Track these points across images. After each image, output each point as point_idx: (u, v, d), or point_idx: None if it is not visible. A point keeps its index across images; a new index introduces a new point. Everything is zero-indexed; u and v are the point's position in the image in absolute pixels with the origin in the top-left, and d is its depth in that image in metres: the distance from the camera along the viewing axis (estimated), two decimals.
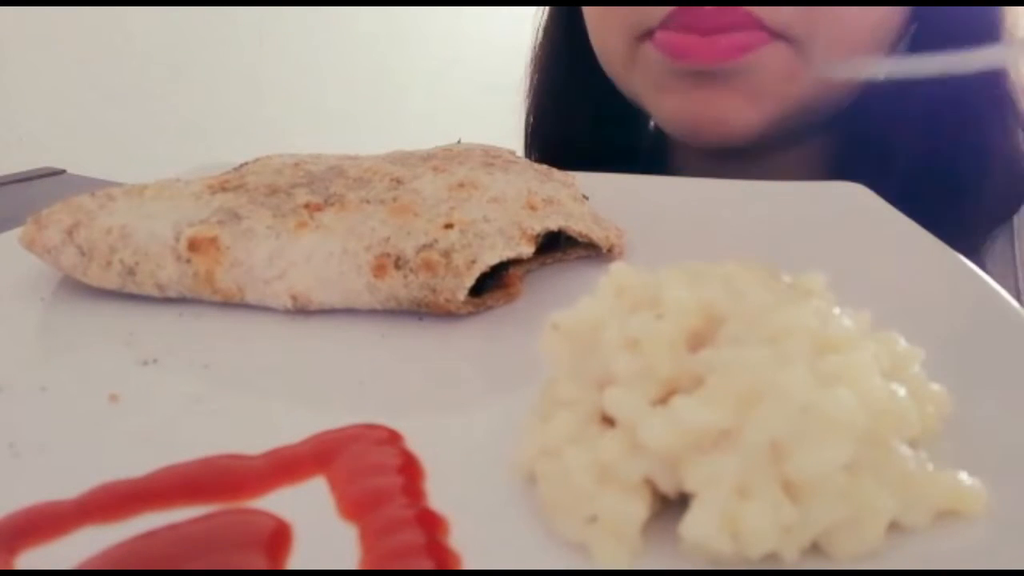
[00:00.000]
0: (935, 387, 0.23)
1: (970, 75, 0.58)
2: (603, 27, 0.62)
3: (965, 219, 0.55)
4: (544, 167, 0.45)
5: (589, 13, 0.63)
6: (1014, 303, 0.32)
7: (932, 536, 0.21)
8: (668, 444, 0.20)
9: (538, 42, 0.75)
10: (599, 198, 0.43)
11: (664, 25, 0.54)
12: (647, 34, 0.56)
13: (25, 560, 0.21)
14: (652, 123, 0.75)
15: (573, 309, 0.25)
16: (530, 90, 0.76)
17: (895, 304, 0.34)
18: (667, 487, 0.21)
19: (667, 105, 0.59)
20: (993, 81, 0.59)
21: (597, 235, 0.38)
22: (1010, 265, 0.57)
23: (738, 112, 0.56)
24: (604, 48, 0.63)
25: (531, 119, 0.76)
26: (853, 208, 0.44)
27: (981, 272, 0.35)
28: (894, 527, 0.21)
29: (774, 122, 0.56)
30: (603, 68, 0.65)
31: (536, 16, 0.75)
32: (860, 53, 0.56)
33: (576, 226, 0.38)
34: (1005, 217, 0.60)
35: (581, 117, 0.72)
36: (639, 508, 0.21)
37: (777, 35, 0.53)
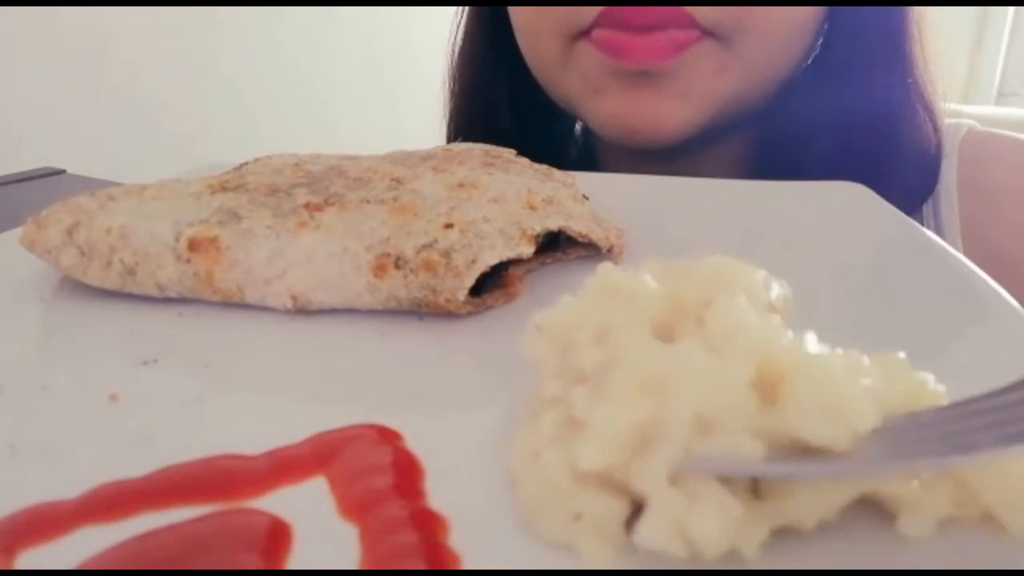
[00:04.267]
0: (939, 388, 0.23)
1: (881, 71, 0.60)
2: (535, 28, 0.60)
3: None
4: (544, 167, 0.45)
5: (519, 15, 0.62)
6: (1014, 303, 0.32)
7: (931, 536, 0.21)
8: (604, 462, 0.21)
9: (459, 43, 0.74)
10: (599, 198, 0.43)
11: (598, 24, 0.55)
12: (581, 34, 0.56)
13: (25, 560, 0.21)
14: (578, 126, 0.75)
15: (554, 308, 0.25)
16: (452, 92, 0.75)
17: (894, 304, 0.34)
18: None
19: (603, 107, 0.58)
20: (904, 76, 0.60)
21: (597, 235, 0.38)
22: None
23: (672, 113, 0.56)
24: (536, 50, 0.62)
25: (453, 121, 0.75)
26: (853, 208, 0.44)
27: (981, 272, 0.35)
28: (892, 530, 0.21)
29: (705, 121, 0.57)
30: (533, 72, 0.64)
31: (455, 16, 0.74)
32: (785, 49, 0.58)
33: (576, 226, 0.38)
34: (915, 208, 0.61)
35: (506, 119, 0.71)
36: (620, 504, 0.21)
37: (707, 32, 0.54)
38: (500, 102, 0.71)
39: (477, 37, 0.72)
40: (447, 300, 0.33)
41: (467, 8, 0.73)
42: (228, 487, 0.24)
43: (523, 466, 0.23)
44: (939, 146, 0.62)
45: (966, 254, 0.59)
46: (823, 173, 0.48)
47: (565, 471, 0.21)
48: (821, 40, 0.61)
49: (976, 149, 0.63)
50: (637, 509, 0.21)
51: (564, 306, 0.25)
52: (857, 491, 0.21)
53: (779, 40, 0.57)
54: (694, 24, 0.53)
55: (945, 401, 0.23)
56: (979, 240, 0.60)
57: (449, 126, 0.76)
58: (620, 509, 0.21)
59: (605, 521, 0.21)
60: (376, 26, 2.08)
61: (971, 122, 0.66)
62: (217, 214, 0.37)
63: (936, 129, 0.62)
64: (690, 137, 0.58)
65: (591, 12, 0.55)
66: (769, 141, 0.64)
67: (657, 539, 0.20)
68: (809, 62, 0.62)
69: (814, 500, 0.20)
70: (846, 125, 0.60)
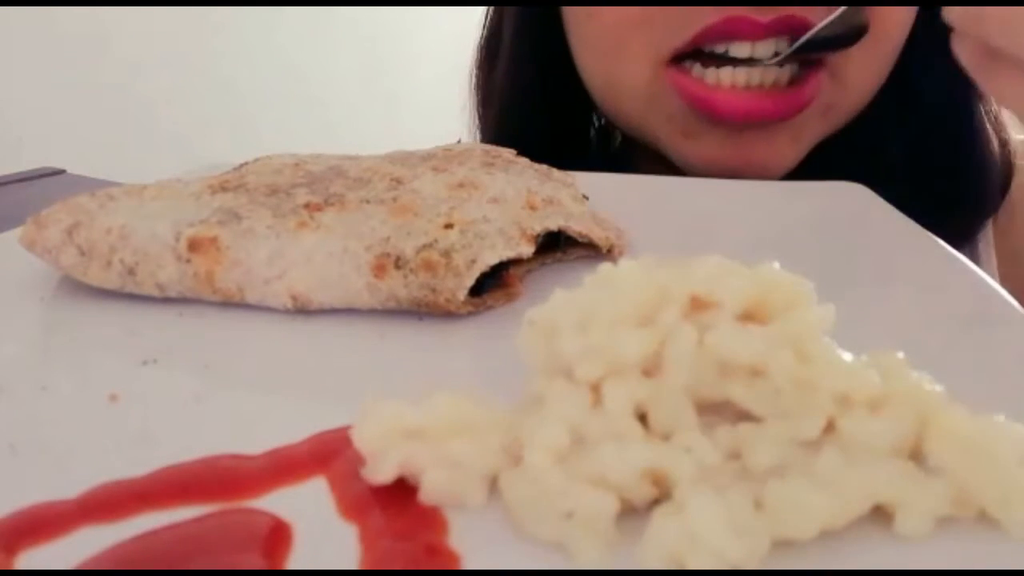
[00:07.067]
0: (937, 387, 0.23)
1: (957, 83, 0.57)
2: (618, 48, 0.53)
3: (954, 225, 0.53)
4: (544, 167, 0.45)
5: (595, 27, 0.55)
6: (1014, 303, 0.32)
7: (931, 536, 0.21)
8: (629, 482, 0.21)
9: (485, 40, 0.69)
10: (599, 198, 0.43)
11: (704, 40, 0.49)
12: (673, 60, 0.51)
13: (25, 560, 0.21)
14: (617, 136, 0.70)
15: (546, 303, 0.25)
16: (479, 90, 0.70)
17: (895, 304, 0.34)
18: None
19: (699, 152, 0.53)
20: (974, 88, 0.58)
21: (597, 235, 0.38)
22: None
23: (782, 157, 0.53)
24: (618, 80, 0.55)
25: (483, 120, 0.71)
26: (853, 208, 0.44)
27: (981, 272, 0.35)
28: (886, 524, 0.21)
29: (804, 154, 0.54)
30: (596, 97, 0.58)
31: (484, 13, 0.69)
32: (886, 68, 0.54)
33: (576, 226, 0.38)
34: (978, 229, 0.59)
35: (540, 121, 0.66)
36: (610, 500, 0.21)
37: (820, 62, 0.50)
38: (536, 103, 0.65)
39: (518, 37, 0.65)
40: (447, 300, 0.33)
41: (490, 17, 0.69)
42: (228, 487, 0.24)
43: (509, 465, 0.23)
44: (1009, 169, 0.59)
45: (1000, 266, 0.58)
46: (894, 186, 0.46)
47: (554, 469, 0.21)
48: None
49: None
50: (628, 506, 0.21)
51: (556, 300, 0.25)
52: (867, 505, 0.21)
53: (880, 63, 0.53)
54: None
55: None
56: (1010, 250, 0.58)
57: (481, 120, 0.71)
58: (610, 506, 0.21)
59: (596, 518, 0.21)
60: (376, 27, 2.08)
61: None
62: (217, 214, 0.37)
63: (1007, 150, 0.59)
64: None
65: (691, 28, 0.49)
66: (836, 153, 0.59)
67: (656, 562, 0.20)
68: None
69: (818, 513, 0.20)
70: (918, 138, 0.57)
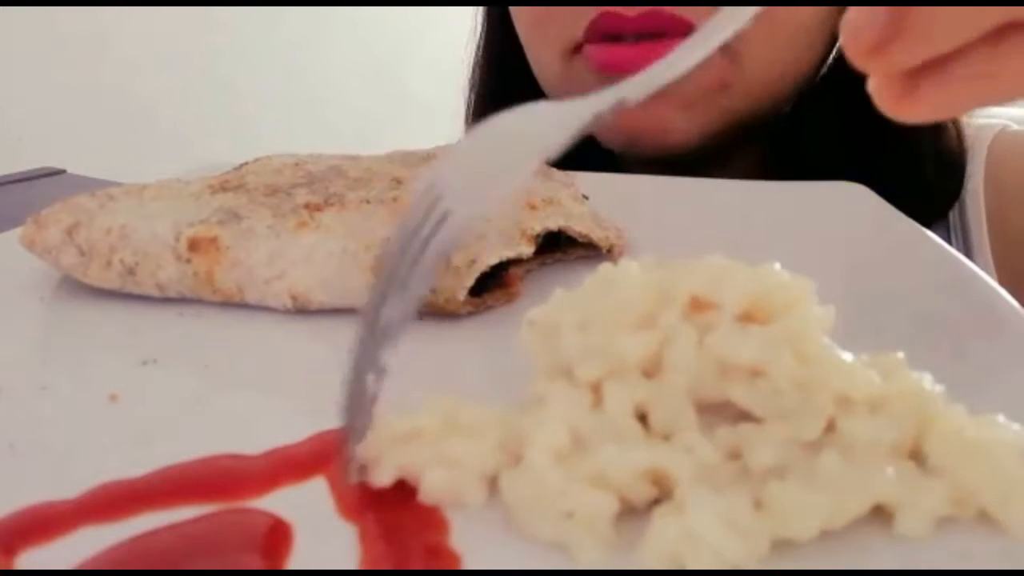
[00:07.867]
0: (937, 388, 0.23)
1: None
2: (534, 43, 0.60)
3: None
4: (544, 167, 0.45)
5: (520, 29, 0.62)
6: (1013, 302, 0.32)
7: (931, 536, 0.21)
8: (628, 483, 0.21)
9: (478, 57, 0.73)
10: (599, 198, 0.43)
11: (591, 37, 0.54)
12: (578, 48, 0.55)
13: (25, 560, 0.21)
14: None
15: (547, 304, 0.25)
16: (469, 104, 0.74)
17: (895, 304, 0.34)
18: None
19: (606, 126, 0.56)
20: None
21: (597, 235, 0.38)
22: None
23: (675, 123, 0.55)
24: (539, 65, 0.61)
25: (477, 119, 0.73)
26: (853, 208, 0.44)
27: (981, 272, 0.35)
28: (886, 524, 0.21)
29: (712, 132, 0.56)
30: (541, 85, 0.63)
31: (473, 29, 0.73)
32: (792, 55, 0.56)
33: (576, 226, 0.38)
34: (941, 214, 0.60)
35: None
36: (610, 501, 0.21)
37: None
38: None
39: (492, 50, 0.71)
40: (447, 300, 0.33)
41: (482, 21, 0.72)
42: (228, 487, 0.24)
43: (509, 465, 0.23)
44: (963, 151, 0.60)
45: (992, 251, 0.59)
46: (846, 179, 0.47)
47: (554, 469, 0.21)
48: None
49: (1004, 147, 0.61)
50: (628, 506, 0.21)
51: (556, 300, 0.25)
52: (867, 505, 0.21)
53: (784, 46, 0.55)
54: (691, 31, 0.51)
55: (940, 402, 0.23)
56: (1003, 235, 0.59)
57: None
58: (610, 506, 0.21)
59: (596, 518, 0.21)
60: (377, 26, 2.08)
61: (1005, 121, 0.63)
62: (217, 214, 0.37)
63: (959, 133, 0.60)
64: (694, 147, 0.57)
65: (583, 22, 0.53)
66: (789, 150, 0.62)
67: (656, 562, 0.20)
68: (826, 70, 0.60)
69: (818, 513, 0.20)
70: (865, 132, 0.58)
